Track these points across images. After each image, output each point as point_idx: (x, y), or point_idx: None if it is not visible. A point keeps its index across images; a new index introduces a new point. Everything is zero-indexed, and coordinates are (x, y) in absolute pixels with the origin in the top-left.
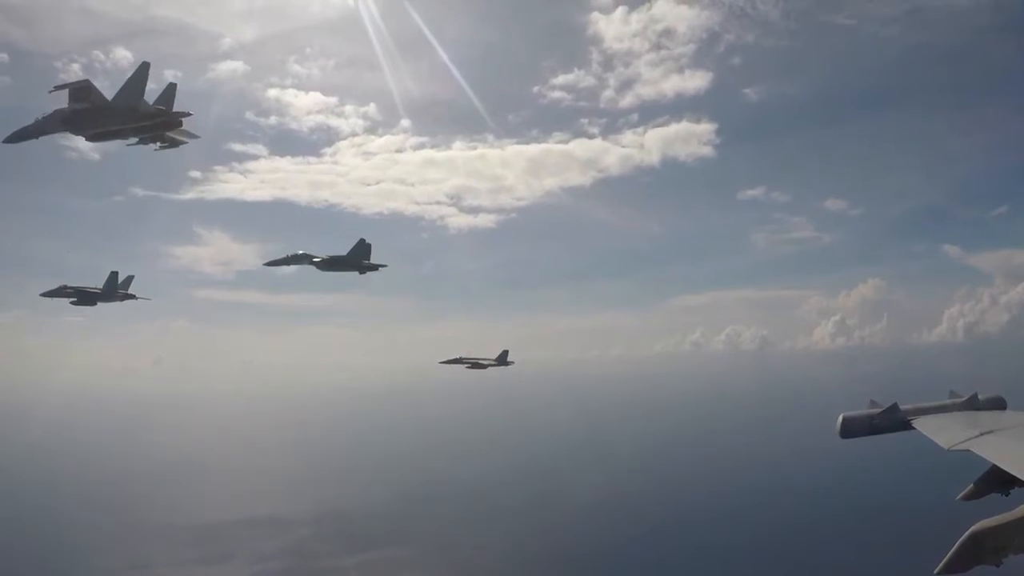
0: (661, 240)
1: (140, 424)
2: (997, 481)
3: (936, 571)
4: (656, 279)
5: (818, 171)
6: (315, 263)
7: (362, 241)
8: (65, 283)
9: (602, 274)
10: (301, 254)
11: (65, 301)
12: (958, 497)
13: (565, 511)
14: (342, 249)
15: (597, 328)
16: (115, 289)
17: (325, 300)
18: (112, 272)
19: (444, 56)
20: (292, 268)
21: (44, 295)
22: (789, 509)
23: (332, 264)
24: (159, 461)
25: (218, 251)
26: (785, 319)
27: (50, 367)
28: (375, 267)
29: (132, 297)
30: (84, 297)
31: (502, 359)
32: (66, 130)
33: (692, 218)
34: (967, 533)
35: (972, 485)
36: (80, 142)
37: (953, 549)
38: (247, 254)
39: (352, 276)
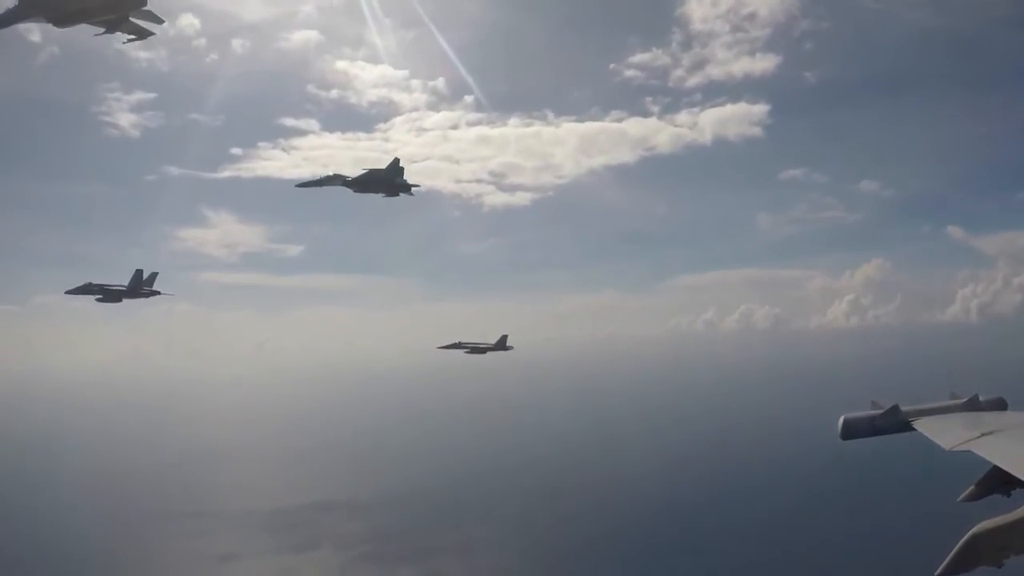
0: (681, 220)
1: (165, 410)
2: (998, 482)
3: (937, 572)
4: (665, 259)
5: (842, 152)
6: (348, 183)
7: (396, 161)
8: (90, 281)
9: (618, 254)
10: (333, 175)
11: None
12: (959, 498)
13: (577, 490)
14: (358, 234)
15: (610, 307)
16: (140, 286)
17: (332, 281)
18: (137, 270)
19: (521, 31)
20: (297, 249)
21: (69, 293)
22: (790, 501)
23: (365, 183)
24: (197, 447)
25: (223, 233)
26: (790, 299)
27: (58, 355)
28: (407, 187)
29: (157, 293)
30: (109, 295)
31: (501, 344)
32: (36, 13)
33: (715, 200)
34: (968, 534)
35: (973, 486)
36: (122, 119)
37: (954, 550)
38: (253, 236)
39: (362, 256)
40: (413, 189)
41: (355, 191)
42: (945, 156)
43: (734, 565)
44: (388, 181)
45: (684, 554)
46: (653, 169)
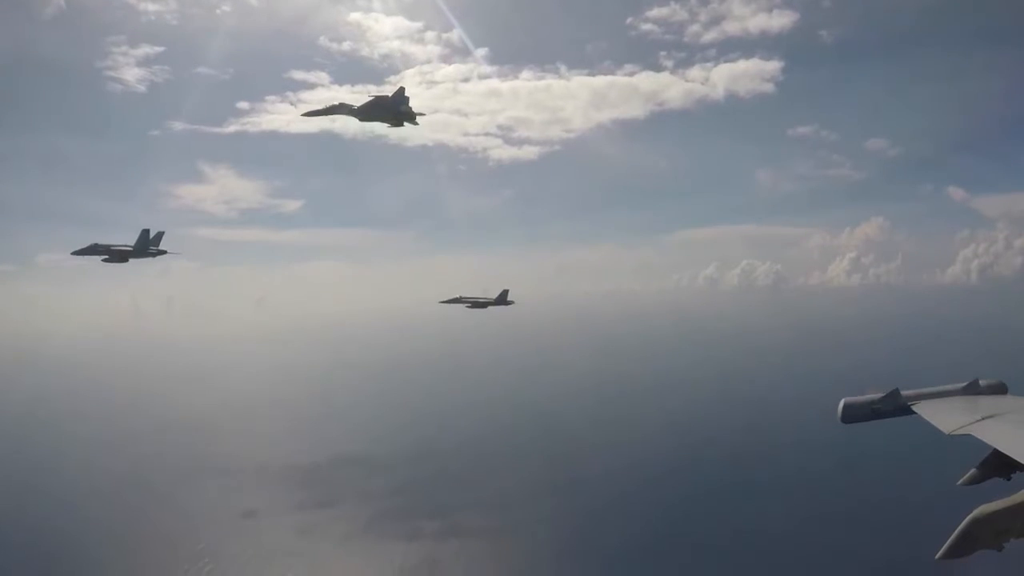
0: (686, 175)
1: (171, 369)
2: (998, 466)
3: (937, 556)
4: (667, 213)
5: (852, 110)
6: (354, 112)
7: (401, 89)
8: (96, 241)
9: (621, 208)
10: (340, 104)
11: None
12: (959, 482)
13: (587, 449)
14: (359, 188)
15: (610, 262)
16: (147, 246)
17: (332, 236)
18: (144, 229)
19: None
20: (296, 204)
21: (76, 254)
22: (791, 466)
23: (371, 111)
24: (207, 406)
25: (222, 189)
26: (790, 256)
27: (58, 316)
28: (412, 116)
29: (163, 252)
30: (116, 255)
31: (502, 299)
32: None
33: (723, 155)
34: (968, 518)
35: (973, 470)
36: (128, 73)
37: (954, 534)
38: (252, 191)
39: (363, 211)
40: (418, 118)
41: (360, 119)
42: (951, 116)
43: (737, 526)
44: (393, 109)
45: (692, 517)
46: (662, 124)
